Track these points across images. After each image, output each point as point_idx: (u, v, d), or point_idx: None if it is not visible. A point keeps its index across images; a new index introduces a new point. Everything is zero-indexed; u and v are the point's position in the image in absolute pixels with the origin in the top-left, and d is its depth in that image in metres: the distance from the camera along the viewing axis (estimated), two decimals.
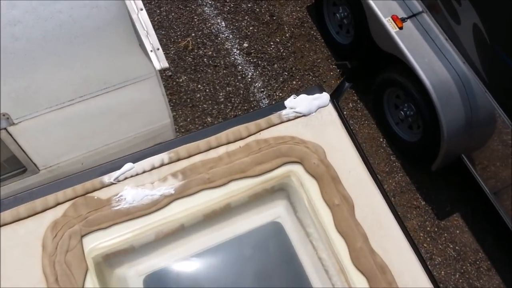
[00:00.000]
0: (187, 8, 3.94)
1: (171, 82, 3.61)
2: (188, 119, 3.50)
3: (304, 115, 1.29)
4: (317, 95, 1.31)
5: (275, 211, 1.21)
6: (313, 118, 1.29)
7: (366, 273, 1.13)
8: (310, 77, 3.82)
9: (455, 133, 2.69)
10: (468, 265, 3.51)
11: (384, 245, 1.16)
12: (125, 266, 1.09)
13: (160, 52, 1.87)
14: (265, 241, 1.16)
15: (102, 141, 2.03)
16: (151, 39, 1.76)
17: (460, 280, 3.53)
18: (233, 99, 3.66)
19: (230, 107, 3.70)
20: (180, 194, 1.16)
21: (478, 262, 3.51)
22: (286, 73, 3.86)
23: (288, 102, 1.30)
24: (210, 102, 3.59)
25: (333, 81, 3.82)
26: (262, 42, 3.83)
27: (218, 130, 1.24)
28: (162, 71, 3.57)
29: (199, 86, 3.68)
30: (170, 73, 3.65)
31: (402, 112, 3.08)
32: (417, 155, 3.21)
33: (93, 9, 1.51)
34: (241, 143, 1.24)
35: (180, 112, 3.56)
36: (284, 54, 3.85)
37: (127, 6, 1.51)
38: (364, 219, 1.18)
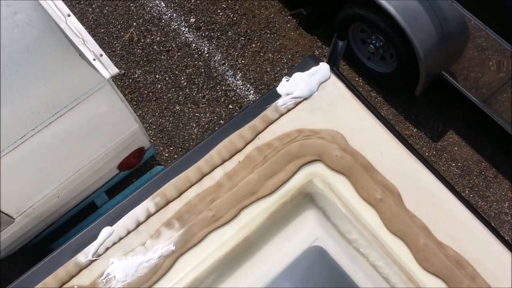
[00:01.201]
0: None
1: (127, 80, 3.21)
2: (156, 114, 3.16)
3: (305, 99, 0.96)
4: (313, 68, 0.97)
5: (307, 230, 0.90)
6: (317, 98, 0.96)
7: (441, 274, 0.84)
8: (268, 35, 3.48)
9: (431, 51, 2.51)
10: (474, 177, 3.37)
11: (451, 232, 0.87)
12: None
13: (105, 57, 1.63)
14: (306, 268, 0.86)
15: (73, 168, 1.84)
16: (90, 46, 1.51)
17: (471, 195, 3.39)
18: (196, 80, 3.31)
19: (196, 89, 3.36)
20: (183, 248, 0.83)
21: (483, 173, 3.36)
22: (243, 38, 3.50)
23: (281, 87, 0.96)
24: (173, 89, 3.23)
25: (292, 33, 3.49)
26: (209, 12, 3.42)
27: (205, 149, 0.90)
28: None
29: (157, 76, 3.30)
30: (123, 71, 3.24)
31: (371, 46, 2.86)
32: (397, 84, 3.02)
33: (14, 30, 1.32)
34: (239, 157, 0.91)
35: (146, 109, 3.20)
36: (235, 18, 3.47)
37: (51, 16, 1.20)
38: (418, 207, 0.88)
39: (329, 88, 0.96)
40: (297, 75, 0.96)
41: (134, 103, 3.34)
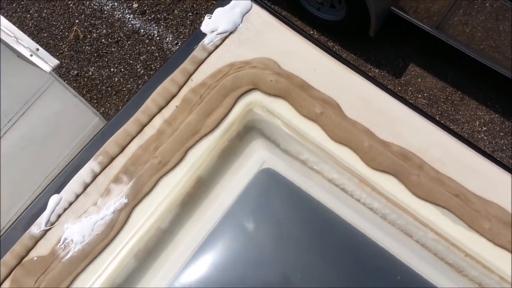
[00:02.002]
0: None
1: (82, 80, 3.15)
2: (120, 107, 3.11)
3: (231, 33, 0.95)
4: (233, 1, 0.96)
5: (256, 158, 0.91)
6: (243, 30, 0.95)
7: (390, 170, 0.86)
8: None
9: None
10: (442, 104, 3.43)
11: (394, 130, 0.89)
12: None
13: (42, 51, 1.59)
14: (263, 197, 0.87)
15: (42, 175, 1.81)
16: (24, 43, 1.45)
17: (442, 121, 3.45)
18: (152, 65, 3.25)
19: (154, 74, 3.30)
20: (136, 199, 0.83)
21: (449, 98, 3.42)
22: (190, 14, 3.44)
23: (205, 26, 0.95)
24: (131, 80, 3.18)
25: None
26: None
27: (140, 101, 0.89)
28: (66, 73, 3.12)
29: (111, 69, 3.23)
30: (75, 72, 3.16)
31: None
32: (351, 29, 3.03)
33: None
34: (176, 102, 0.90)
35: (108, 105, 3.15)
36: None
37: None
38: (358, 113, 0.90)
39: (253, 17, 0.96)
40: (218, 11, 0.95)
41: (95, 101, 3.29)
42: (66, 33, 3.45)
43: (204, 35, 0.95)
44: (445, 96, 3.56)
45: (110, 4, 3.51)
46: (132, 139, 0.87)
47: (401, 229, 0.91)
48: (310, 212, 0.89)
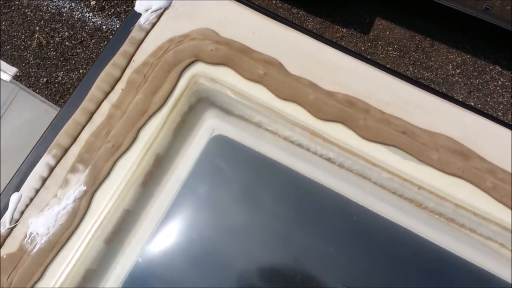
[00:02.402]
0: (13, 8, 3.29)
1: (53, 86, 3.13)
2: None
3: (166, 9, 0.95)
4: None
5: (208, 127, 0.93)
6: (177, 5, 0.96)
7: (337, 118, 0.89)
8: None
9: None
10: (413, 53, 3.44)
11: (337, 79, 0.90)
12: None
13: None
14: (219, 163, 0.89)
15: None
16: None
17: (415, 70, 3.48)
18: None
19: None
20: (94, 185, 0.85)
21: (420, 46, 3.44)
22: None
23: (139, 6, 0.96)
24: None
25: None
26: None
27: (84, 91, 0.90)
28: (36, 82, 3.09)
29: (81, 71, 3.20)
30: (45, 79, 3.14)
31: None
32: None
33: None
34: (121, 85, 0.91)
35: None
36: None
37: None
38: (302, 68, 0.91)
39: None
40: None
41: None
42: (29, 42, 3.41)
43: (140, 15, 0.95)
44: (415, 45, 3.57)
45: (68, 6, 3.46)
46: (83, 128, 0.88)
47: (359, 174, 0.94)
48: (270, 172, 0.92)
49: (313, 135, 0.90)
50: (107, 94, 0.89)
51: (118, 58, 0.91)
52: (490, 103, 3.37)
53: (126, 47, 0.92)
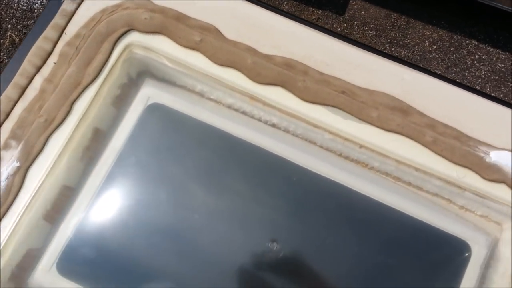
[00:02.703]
0: None
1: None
2: None
3: None
4: None
5: (146, 97, 0.91)
6: None
7: (276, 81, 0.87)
8: None
9: None
10: (389, 32, 3.42)
11: (276, 42, 0.89)
12: (39, 270, 0.81)
13: None
14: (158, 134, 0.87)
15: None
16: None
17: (393, 49, 3.46)
18: None
19: None
20: (28, 160, 0.83)
21: (395, 24, 3.42)
22: None
23: None
24: None
25: None
26: None
27: (15, 66, 0.88)
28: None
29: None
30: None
31: None
32: None
33: None
34: (53, 59, 0.89)
35: None
36: None
37: None
38: (239, 33, 0.89)
39: None
40: None
41: None
42: (1, 40, 3.34)
43: None
44: (390, 23, 3.55)
45: (39, 2, 3.40)
46: (15, 103, 0.86)
47: (305, 138, 0.93)
48: (213, 141, 0.90)
49: (253, 100, 0.89)
50: (39, 69, 0.87)
51: (49, 32, 0.89)
52: (468, 77, 3.37)
53: (57, 19, 0.89)
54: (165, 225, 0.85)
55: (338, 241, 0.83)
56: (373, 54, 0.89)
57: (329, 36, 0.90)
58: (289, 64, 0.88)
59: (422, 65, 3.39)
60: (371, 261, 0.82)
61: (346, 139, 0.87)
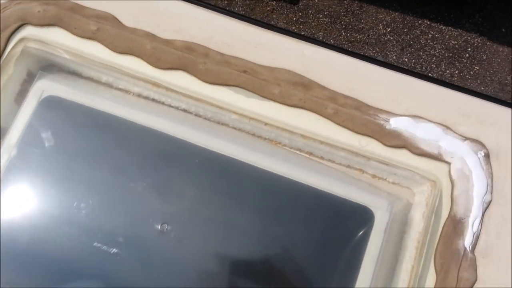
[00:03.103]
0: None
1: None
2: None
3: None
4: None
5: (37, 89, 0.90)
6: None
7: (177, 65, 0.87)
8: None
9: None
10: (344, 18, 3.45)
11: (175, 27, 0.89)
12: None
13: None
14: (56, 129, 0.86)
15: None
16: None
17: (348, 34, 3.50)
18: None
19: None
20: None
21: (349, 10, 3.45)
22: None
23: None
24: None
25: None
26: None
27: None
28: None
29: None
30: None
31: None
32: None
33: None
34: None
35: None
36: None
37: None
38: (137, 19, 0.89)
39: None
40: None
41: None
42: None
43: None
44: (344, 9, 3.58)
45: None
46: None
47: (216, 121, 0.93)
48: (117, 131, 0.89)
49: (155, 86, 0.88)
50: None
51: None
52: (423, 56, 3.43)
53: None
54: (67, 218, 0.84)
55: (248, 222, 0.83)
56: (273, 31, 0.89)
57: (229, 17, 0.90)
58: (190, 47, 0.88)
59: (378, 48, 3.43)
60: (279, 235, 0.83)
61: (251, 118, 0.87)
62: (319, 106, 0.89)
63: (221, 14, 0.94)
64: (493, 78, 3.03)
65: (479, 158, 0.84)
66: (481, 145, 0.85)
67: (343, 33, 3.55)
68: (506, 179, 0.84)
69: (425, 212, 0.85)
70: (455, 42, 3.29)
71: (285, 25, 3.40)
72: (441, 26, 3.38)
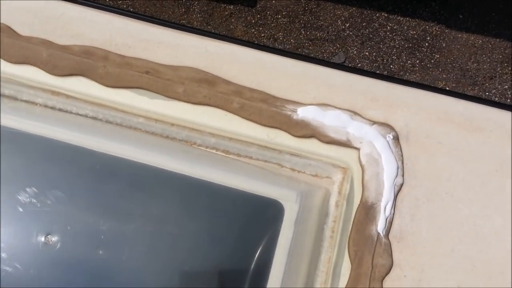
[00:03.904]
0: None
1: None
2: None
3: None
4: None
5: None
6: None
7: (75, 71, 0.87)
8: None
9: None
10: (302, 16, 3.46)
11: (74, 31, 0.87)
12: None
13: None
14: None
15: None
16: None
17: (308, 32, 3.50)
18: None
19: None
20: None
21: (307, 8, 3.46)
22: None
23: None
24: None
25: None
26: None
27: None
28: None
29: None
30: None
31: None
32: None
33: None
34: None
35: None
36: None
37: None
38: (32, 28, 0.89)
39: None
40: None
41: None
42: None
43: None
44: (302, 8, 3.60)
45: None
46: None
47: (127, 126, 0.91)
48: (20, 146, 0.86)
49: (55, 94, 0.86)
50: None
51: None
52: (384, 49, 3.44)
53: None
54: None
55: (152, 227, 0.81)
56: (175, 29, 0.88)
57: (128, 18, 0.89)
58: (88, 52, 0.86)
59: (338, 44, 3.45)
60: (197, 233, 0.80)
61: (157, 120, 0.85)
62: (225, 101, 0.88)
63: (121, 16, 0.93)
64: (454, 65, 3.06)
65: (387, 141, 0.83)
66: (390, 128, 0.85)
67: (303, 32, 3.56)
68: (418, 160, 0.84)
69: (338, 200, 0.84)
70: (414, 32, 3.33)
71: (244, 28, 3.41)
72: (399, 17, 3.41)
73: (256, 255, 0.83)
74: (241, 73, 0.93)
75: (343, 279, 0.81)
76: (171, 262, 0.83)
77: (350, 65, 3.13)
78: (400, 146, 0.88)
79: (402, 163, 0.87)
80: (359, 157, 0.87)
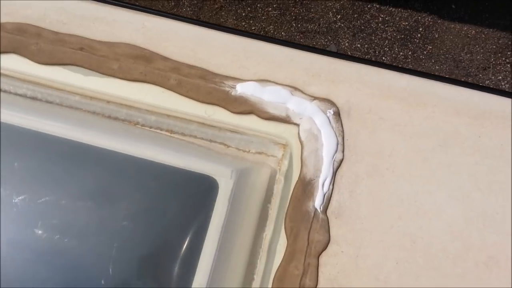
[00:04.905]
0: None
1: None
2: None
3: None
4: None
5: None
6: None
7: (7, 49, 0.85)
8: None
9: None
10: (293, 9, 3.44)
11: (7, 9, 0.84)
12: None
13: None
14: None
15: None
16: None
17: (299, 25, 3.47)
18: None
19: None
20: None
21: (297, 0, 3.42)
22: None
23: None
24: None
25: None
26: None
27: None
28: None
29: None
30: None
31: None
32: None
33: None
34: None
35: None
36: None
37: None
38: None
39: None
40: None
41: None
42: None
43: None
44: (293, 0, 3.56)
45: None
46: None
47: (63, 104, 0.89)
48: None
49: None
50: None
51: None
52: (376, 41, 3.40)
53: None
54: None
55: (86, 206, 0.79)
56: (110, 5, 0.86)
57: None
58: (21, 29, 0.85)
59: (330, 36, 3.42)
60: (127, 212, 0.78)
61: (92, 97, 0.83)
62: (162, 78, 0.86)
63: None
64: (447, 56, 3.02)
65: (328, 117, 0.81)
66: (331, 103, 0.83)
67: (294, 24, 3.54)
68: (359, 135, 0.81)
69: (277, 177, 0.82)
70: (406, 23, 3.29)
71: (235, 21, 3.39)
72: (391, 8, 3.38)
73: (190, 232, 0.81)
74: (180, 50, 0.92)
75: (279, 256, 0.79)
76: (96, 242, 0.81)
77: None
78: (341, 122, 0.85)
79: (343, 138, 0.84)
80: (298, 133, 0.85)
